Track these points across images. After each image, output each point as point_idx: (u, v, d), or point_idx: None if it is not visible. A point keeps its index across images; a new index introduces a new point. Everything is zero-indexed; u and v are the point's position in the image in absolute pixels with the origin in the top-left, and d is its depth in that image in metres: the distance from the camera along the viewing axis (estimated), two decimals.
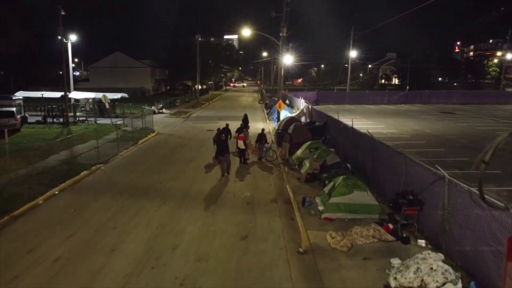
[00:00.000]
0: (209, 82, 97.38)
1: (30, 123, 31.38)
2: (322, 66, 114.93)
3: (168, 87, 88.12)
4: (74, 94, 37.67)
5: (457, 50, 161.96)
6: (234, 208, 13.16)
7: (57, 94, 36.38)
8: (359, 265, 9.17)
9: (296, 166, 18.55)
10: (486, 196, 7.65)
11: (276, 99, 39.54)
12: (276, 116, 33.57)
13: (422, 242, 10.17)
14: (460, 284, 7.92)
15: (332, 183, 13.35)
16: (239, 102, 66.57)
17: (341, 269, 8.97)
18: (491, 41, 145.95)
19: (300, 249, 10.02)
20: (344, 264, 9.21)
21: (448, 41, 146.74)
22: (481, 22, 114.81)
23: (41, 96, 35.45)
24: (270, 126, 32.80)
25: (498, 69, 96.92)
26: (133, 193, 14.66)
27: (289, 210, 13.00)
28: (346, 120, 20.62)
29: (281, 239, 10.76)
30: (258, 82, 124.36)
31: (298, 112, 34.79)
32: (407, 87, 72.55)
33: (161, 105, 44.55)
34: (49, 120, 32.53)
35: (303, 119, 31.35)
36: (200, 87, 70.94)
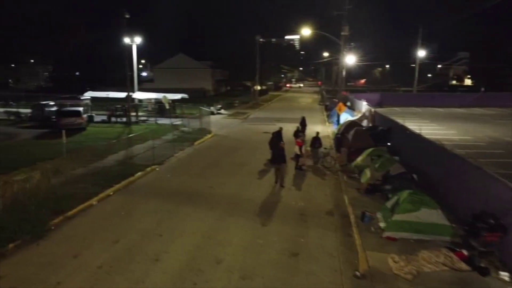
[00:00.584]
0: (269, 83, 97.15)
1: (96, 122, 32.82)
2: (387, 66, 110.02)
3: (228, 88, 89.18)
4: (138, 95, 38.93)
5: None
6: (285, 220, 12.27)
7: (123, 94, 37.75)
8: None
9: (356, 175, 17.20)
10: None
11: (337, 100, 37.98)
12: (336, 119, 32.09)
13: (505, 275, 8.60)
14: None
15: (395, 198, 11.98)
16: (298, 103, 65.41)
17: None
18: None
19: (357, 273, 8.90)
20: None
21: None
22: None
23: (106, 96, 37.00)
24: (329, 130, 31.42)
25: None
26: (183, 197, 14.32)
27: (346, 225, 11.86)
28: (413, 124, 18.95)
29: (336, 260, 9.69)
30: (319, 83, 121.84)
31: (359, 115, 33.01)
32: (482, 89, 66.77)
33: (219, 106, 44.76)
34: (113, 119, 33.81)
35: (364, 122, 29.61)
36: (259, 87, 70.78)
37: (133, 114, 34.96)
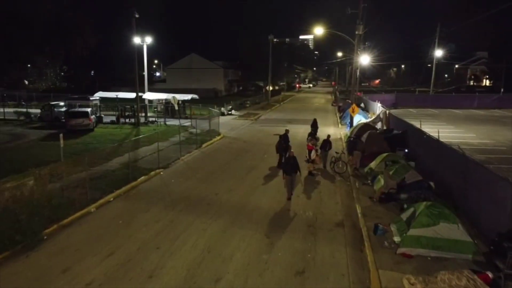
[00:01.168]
0: (281, 83, 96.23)
1: (104, 123, 32.47)
2: (402, 66, 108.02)
3: (241, 88, 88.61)
4: (148, 95, 38.52)
5: None
6: (292, 232, 11.46)
7: (132, 95, 37.43)
8: None
9: (369, 182, 16.29)
10: None
11: (350, 101, 36.95)
12: (349, 121, 31.10)
13: None
14: None
15: (411, 209, 11.08)
16: (310, 104, 64.35)
17: None
18: None
19: None
20: None
21: None
22: None
23: (115, 96, 36.66)
24: (341, 132, 30.46)
25: None
26: (186, 205, 13.65)
27: (358, 238, 11.01)
28: (429, 127, 17.92)
29: (346, 279, 8.88)
30: (333, 83, 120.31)
31: (373, 117, 31.94)
32: (502, 90, 64.67)
33: (230, 107, 44.09)
34: (122, 120, 33.42)
35: (378, 125, 28.57)
36: (272, 88, 69.97)
37: (142, 115, 34.55)
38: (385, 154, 17.39)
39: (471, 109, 48.63)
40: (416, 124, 20.90)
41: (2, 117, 35.40)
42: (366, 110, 39.43)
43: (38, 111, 35.04)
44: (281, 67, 78.65)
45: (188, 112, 38.91)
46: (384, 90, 78.92)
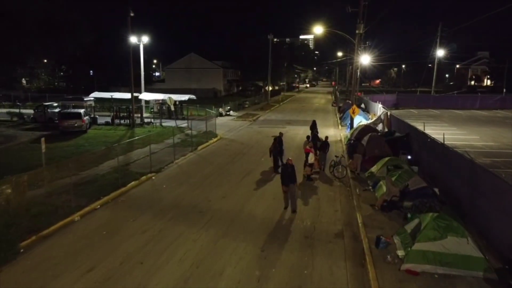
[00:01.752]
0: (281, 83, 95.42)
1: (99, 124, 31.70)
2: (403, 66, 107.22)
3: (240, 88, 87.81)
4: (144, 96, 37.75)
5: None
6: (288, 243, 10.69)
7: (129, 95, 36.69)
8: None
9: (370, 188, 15.52)
10: None
11: (350, 102, 36.16)
12: (349, 122, 30.30)
13: None
14: None
15: (416, 220, 10.32)
16: (310, 104, 63.52)
17: None
18: None
19: None
20: None
21: None
22: None
23: (111, 97, 35.90)
24: (341, 134, 29.67)
25: None
26: (177, 213, 12.89)
27: (358, 252, 10.24)
28: (432, 129, 17.12)
29: None
30: (333, 83, 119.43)
31: (374, 118, 31.15)
32: (504, 90, 63.84)
33: (228, 107, 43.29)
34: (117, 121, 32.64)
35: (379, 126, 27.80)
36: (271, 88, 69.16)
37: (138, 115, 33.77)
38: (387, 158, 16.62)
39: (473, 110, 47.83)
40: (419, 125, 20.12)
41: None
42: (366, 110, 38.65)
43: (32, 111, 34.27)
44: (281, 67, 77.74)
45: (185, 112, 38.16)
46: (385, 90, 78.05)
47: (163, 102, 36.20)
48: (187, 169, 19.01)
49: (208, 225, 11.87)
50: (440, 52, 55.32)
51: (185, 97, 37.94)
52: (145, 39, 37.68)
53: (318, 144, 19.38)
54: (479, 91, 74.22)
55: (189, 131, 28.35)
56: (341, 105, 48.57)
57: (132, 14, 30.39)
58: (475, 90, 75.79)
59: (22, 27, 23.35)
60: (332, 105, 57.92)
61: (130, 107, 32.47)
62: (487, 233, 10.40)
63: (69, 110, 29.44)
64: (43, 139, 14.43)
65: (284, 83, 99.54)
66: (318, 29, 34.06)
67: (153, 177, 17.27)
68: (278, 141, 18.49)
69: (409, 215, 11.85)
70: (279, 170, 17.86)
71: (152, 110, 39.88)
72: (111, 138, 25.94)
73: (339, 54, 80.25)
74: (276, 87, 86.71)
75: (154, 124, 32.82)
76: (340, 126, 34.46)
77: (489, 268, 8.74)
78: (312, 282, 8.74)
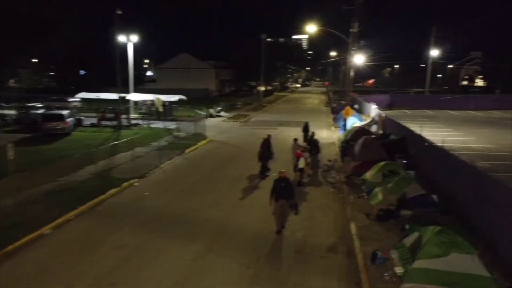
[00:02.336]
0: (274, 83, 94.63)
1: (84, 126, 30.56)
2: (397, 66, 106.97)
3: (233, 88, 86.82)
4: (132, 96, 36.68)
5: None
6: (278, 260, 9.81)
7: (116, 96, 35.58)
8: None
9: (365, 194, 14.68)
10: None
11: (344, 102, 35.42)
12: (342, 123, 29.50)
13: None
14: None
15: (416, 234, 9.48)
16: (303, 104, 62.74)
17: None
18: None
19: None
20: None
21: None
22: None
23: (97, 97, 34.78)
24: (334, 136, 28.84)
25: None
26: (159, 225, 11.95)
27: (353, 268, 9.39)
28: (429, 130, 16.34)
29: None
30: (326, 83, 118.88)
31: (368, 120, 30.40)
32: (498, 90, 63.53)
33: (219, 108, 42.26)
34: (103, 123, 31.50)
35: (373, 128, 27.05)
36: (264, 88, 68.29)
37: (125, 117, 32.68)
38: (382, 163, 15.71)
39: (469, 110, 47.33)
40: (414, 127, 19.37)
41: None
42: (360, 111, 37.87)
43: (15, 112, 33.04)
44: (274, 67, 76.98)
45: (175, 113, 37.11)
46: (378, 90, 77.55)
47: (151, 103, 35.16)
48: (173, 175, 18.05)
49: (193, 238, 10.96)
50: (434, 52, 54.87)
51: (175, 97, 36.93)
52: (134, 38, 36.72)
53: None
54: (472, 91, 74.01)
55: (178, 133, 27.42)
56: (334, 105, 47.85)
57: (119, 12, 29.36)
58: (467, 90, 75.55)
59: (8, 25, 22.31)
60: (325, 106, 57.21)
61: (115, 108, 31.39)
62: (495, 246, 9.63)
63: (51, 112, 28.29)
64: (10, 145, 13.36)
65: (277, 83, 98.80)
66: (312, 28, 33.29)
67: (136, 184, 16.30)
68: (266, 144, 17.54)
69: (406, 226, 11.02)
70: (264, 176, 17.04)
71: (140, 111, 38.78)
72: (96, 140, 24.83)
73: (333, 53, 79.57)
74: (269, 87, 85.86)
75: (142, 125, 31.75)
76: (333, 127, 33.65)
77: None
78: None
